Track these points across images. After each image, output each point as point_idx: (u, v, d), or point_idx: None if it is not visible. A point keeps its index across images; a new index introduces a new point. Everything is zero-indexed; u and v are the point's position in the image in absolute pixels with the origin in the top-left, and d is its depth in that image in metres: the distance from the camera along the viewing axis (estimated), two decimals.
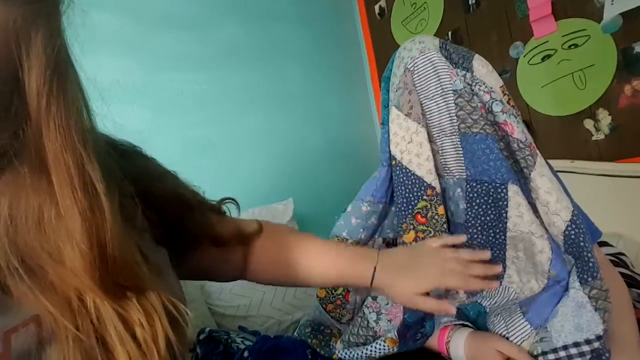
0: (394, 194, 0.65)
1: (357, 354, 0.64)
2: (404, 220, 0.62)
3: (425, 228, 0.60)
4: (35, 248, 0.29)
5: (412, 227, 0.60)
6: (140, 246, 0.36)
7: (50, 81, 0.29)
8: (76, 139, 0.30)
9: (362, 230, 0.67)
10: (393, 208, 0.68)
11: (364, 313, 0.66)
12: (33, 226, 0.29)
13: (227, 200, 0.64)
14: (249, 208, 1.48)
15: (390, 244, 0.71)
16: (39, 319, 0.30)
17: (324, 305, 0.71)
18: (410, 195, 0.60)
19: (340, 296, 0.70)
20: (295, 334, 0.80)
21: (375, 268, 0.58)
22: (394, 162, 0.62)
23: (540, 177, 0.56)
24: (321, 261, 0.60)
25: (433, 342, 0.65)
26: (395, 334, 0.60)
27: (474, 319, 0.68)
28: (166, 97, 1.48)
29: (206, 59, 1.59)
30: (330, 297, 0.70)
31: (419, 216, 0.60)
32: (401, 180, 0.61)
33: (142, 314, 0.32)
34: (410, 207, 0.60)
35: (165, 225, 0.47)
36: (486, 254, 0.58)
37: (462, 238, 0.59)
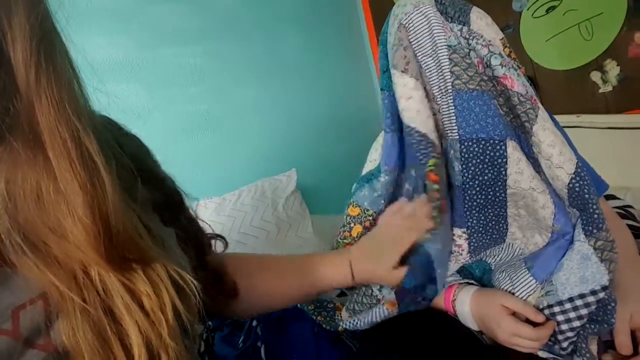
0: (406, 158, 0.64)
1: (361, 322, 0.64)
2: (419, 182, 0.60)
3: (438, 187, 0.58)
4: (36, 224, 0.29)
5: (425, 187, 0.59)
6: (141, 218, 0.36)
7: (37, 51, 0.28)
8: (70, 111, 0.29)
9: (383, 201, 0.66)
10: (403, 175, 0.67)
11: (371, 287, 0.66)
12: (32, 202, 0.29)
13: (217, 238, 0.62)
14: (253, 180, 1.48)
15: None
16: (47, 295, 0.30)
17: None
18: (419, 154, 0.58)
19: None
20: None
21: (350, 263, 0.60)
22: (403, 124, 0.60)
23: (543, 130, 0.54)
24: (287, 281, 0.61)
25: (439, 302, 0.65)
26: (395, 297, 0.61)
27: (479, 276, 0.68)
28: (164, 72, 1.46)
29: (202, 31, 1.55)
30: None
31: (432, 174, 0.58)
32: (409, 141, 0.59)
33: (148, 285, 0.33)
34: (421, 166, 0.59)
35: (167, 207, 0.46)
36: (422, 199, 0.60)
37: (404, 203, 0.62)
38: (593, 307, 0.54)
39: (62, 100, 0.29)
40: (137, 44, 1.40)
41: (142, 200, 0.41)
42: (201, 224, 0.56)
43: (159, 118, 1.42)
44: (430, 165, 0.58)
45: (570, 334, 0.57)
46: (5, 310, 0.28)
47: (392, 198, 0.67)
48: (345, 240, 0.69)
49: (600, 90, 1.29)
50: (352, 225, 0.68)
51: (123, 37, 1.38)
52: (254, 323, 0.77)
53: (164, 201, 0.45)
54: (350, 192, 0.72)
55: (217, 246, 0.63)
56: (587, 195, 0.53)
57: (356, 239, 0.68)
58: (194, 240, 0.52)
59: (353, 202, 0.69)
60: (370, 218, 0.67)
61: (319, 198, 1.68)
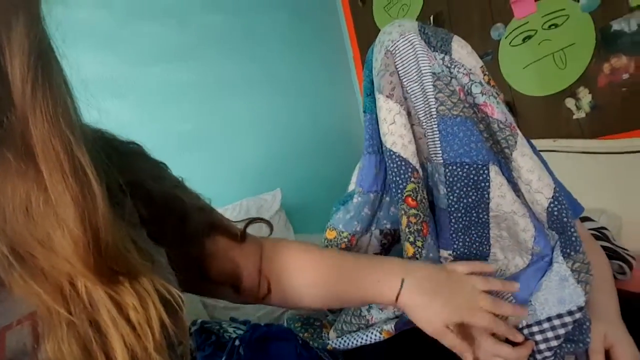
0: (387, 182, 0.65)
1: (352, 342, 0.64)
2: (397, 206, 0.62)
3: (416, 212, 0.59)
4: (24, 236, 0.29)
5: (403, 211, 0.60)
6: (129, 232, 0.36)
7: (35, 67, 0.29)
8: (63, 125, 0.30)
9: (356, 222, 0.66)
10: (387, 198, 0.68)
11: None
12: (21, 214, 0.29)
13: (256, 221, 0.62)
14: (238, 199, 1.48)
15: (389, 234, 0.70)
16: (35, 316, 0.30)
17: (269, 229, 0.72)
18: (398, 179, 0.60)
19: None
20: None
21: (402, 281, 0.54)
22: (384, 148, 0.62)
23: (522, 156, 0.57)
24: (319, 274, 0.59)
25: None
26: (393, 327, 0.61)
27: None
28: (149, 90, 1.47)
29: (187, 49, 1.57)
30: None
31: (409, 199, 0.60)
32: (389, 165, 0.61)
33: (135, 298, 0.32)
34: (399, 190, 0.60)
35: (155, 224, 0.46)
36: (515, 286, 0.56)
37: (490, 267, 0.58)
38: (570, 326, 0.56)
39: (56, 114, 0.29)
40: (124, 61, 1.41)
41: (130, 214, 0.41)
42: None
43: (145, 135, 1.40)
44: (407, 191, 0.60)
45: (548, 353, 0.58)
46: None
47: (369, 220, 0.68)
48: None
49: (575, 117, 1.35)
50: (330, 248, 0.68)
51: (110, 54, 1.38)
52: (237, 343, 0.76)
53: (154, 216, 0.45)
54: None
55: (264, 231, 0.63)
56: (565, 219, 0.56)
57: None
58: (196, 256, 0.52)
59: (330, 225, 0.69)
60: (346, 240, 0.67)
61: (303, 217, 1.68)
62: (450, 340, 0.52)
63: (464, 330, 0.54)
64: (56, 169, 0.29)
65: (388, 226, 0.70)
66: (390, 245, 0.73)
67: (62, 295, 0.30)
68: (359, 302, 0.62)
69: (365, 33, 2.04)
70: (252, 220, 0.62)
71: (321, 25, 2.06)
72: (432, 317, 0.52)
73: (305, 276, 0.59)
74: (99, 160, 0.35)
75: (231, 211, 1.42)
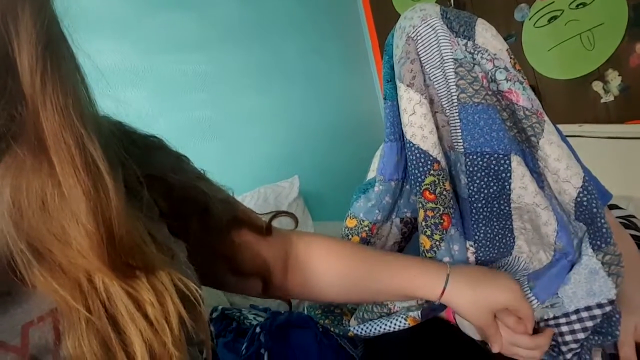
0: (408, 170, 0.64)
1: (375, 329, 0.64)
2: (415, 198, 0.61)
3: (434, 205, 0.58)
4: (40, 231, 0.29)
5: (420, 204, 0.59)
6: (147, 226, 0.36)
7: (43, 57, 0.28)
8: (74, 117, 0.29)
9: (377, 211, 0.66)
10: (408, 185, 0.67)
11: None
12: (37, 209, 0.29)
13: (282, 214, 0.61)
14: (255, 187, 1.49)
15: (409, 223, 0.70)
16: (56, 313, 0.30)
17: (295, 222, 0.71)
18: (417, 172, 0.59)
19: None
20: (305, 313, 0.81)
21: (448, 275, 0.54)
22: (405, 139, 0.61)
23: (549, 144, 0.55)
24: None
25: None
26: (419, 314, 0.60)
27: None
28: (166, 79, 1.47)
29: (205, 39, 1.57)
30: None
31: (427, 193, 0.59)
32: (409, 156, 0.60)
33: (152, 293, 0.32)
34: (417, 183, 0.59)
35: (176, 218, 0.45)
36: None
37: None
38: (598, 319, 0.55)
39: (67, 106, 0.29)
40: (141, 51, 1.42)
41: (148, 208, 0.41)
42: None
43: (163, 124, 1.43)
44: (425, 184, 0.59)
45: (574, 345, 0.57)
46: (16, 326, 0.28)
47: (390, 209, 0.67)
48: None
49: (602, 100, 1.30)
50: (350, 237, 0.68)
51: (127, 44, 1.39)
52: (257, 330, 0.77)
53: (175, 209, 0.45)
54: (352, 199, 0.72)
55: (287, 224, 0.62)
56: (594, 210, 0.54)
57: None
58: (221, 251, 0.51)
59: (350, 213, 0.69)
60: (367, 229, 0.67)
61: (321, 205, 1.68)
62: (494, 331, 0.53)
63: None
64: (67, 162, 0.29)
65: (408, 214, 0.69)
66: (411, 233, 0.72)
67: (81, 291, 0.30)
68: (390, 297, 0.62)
69: (384, 18, 2.00)
70: (277, 214, 0.60)
71: (339, 11, 2.03)
72: (481, 309, 0.52)
73: (332, 269, 0.59)
74: (116, 152, 0.35)
75: (249, 199, 1.43)
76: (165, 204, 0.43)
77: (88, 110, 0.32)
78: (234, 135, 1.60)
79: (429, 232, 0.59)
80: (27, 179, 0.29)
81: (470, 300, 0.53)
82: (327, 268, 0.59)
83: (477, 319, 0.53)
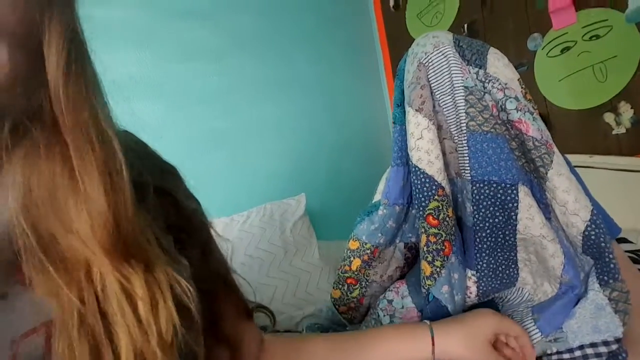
0: (412, 196, 0.64)
1: None
2: (419, 223, 0.60)
3: (436, 231, 0.58)
4: (47, 216, 0.30)
5: (423, 229, 0.59)
6: (155, 230, 0.36)
7: (69, 50, 0.30)
8: (98, 107, 0.31)
9: (380, 234, 0.65)
10: (413, 211, 0.67)
11: (378, 315, 0.65)
12: (46, 192, 0.30)
13: (261, 310, 0.59)
14: (261, 203, 1.49)
15: (413, 248, 0.69)
16: (50, 325, 0.30)
17: (337, 306, 0.71)
18: (421, 196, 0.59)
19: (355, 299, 0.69)
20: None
21: (432, 336, 0.53)
22: (410, 163, 0.61)
23: (558, 176, 0.54)
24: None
25: None
26: None
27: None
28: (178, 89, 1.49)
29: (217, 49, 1.59)
30: (344, 299, 0.69)
31: (430, 218, 0.58)
32: (413, 180, 0.60)
33: (145, 290, 0.32)
34: (421, 208, 0.59)
35: (182, 237, 0.45)
36: None
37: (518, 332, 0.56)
38: (604, 357, 0.53)
39: (90, 98, 0.31)
40: (153, 61, 1.45)
41: (156, 214, 0.41)
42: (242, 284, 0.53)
43: (173, 135, 1.45)
44: (429, 209, 0.58)
45: None
46: (7, 338, 0.29)
47: (393, 233, 0.67)
48: (345, 275, 0.68)
49: (614, 132, 1.29)
50: (351, 259, 0.68)
51: (140, 54, 1.42)
52: None
53: (182, 228, 0.44)
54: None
55: (262, 319, 0.58)
56: (602, 244, 0.53)
57: (356, 273, 0.67)
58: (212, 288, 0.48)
59: (353, 235, 0.68)
60: (368, 252, 0.66)
61: (327, 223, 1.68)
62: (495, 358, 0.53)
63: None
64: (87, 151, 0.30)
65: (413, 239, 0.69)
66: (414, 258, 0.71)
67: (78, 283, 0.30)
68: None
69: (397, 40, 2.02)
70: (259, 307, 0.59)
71: (352, 29, 2.06)
72: (477, 343, 0.52)
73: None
74: (129, 155, 0.35)
75: (255, 214, 1.43)
76: (174, 218, 0.44)
77: (108, 110, 0.34)
78: (243, 147, 1.61)
79: (430, 258, 0.59)
80: (40, 165, 0.30)
81: (462, 337, 0.52)
82: None
83: (478, 355, 0.52)
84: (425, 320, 0.57)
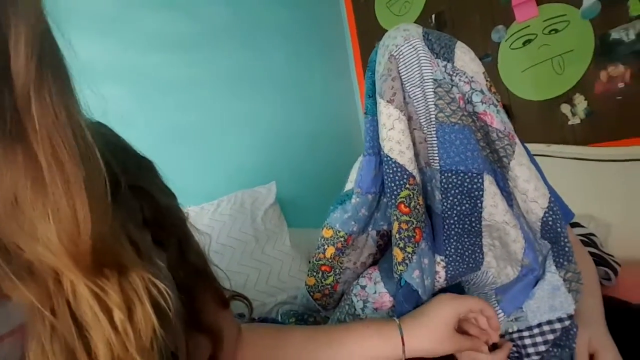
0: (384, 185, 0.65)
1: None
2: (390, 211, 0.63)
3: (408, 219, 0.60)
4: (10, 225, 0.28)
5: (395, 217, 0.61)
6: (127, 228, 0.35)
7: (40, 46, 0.27)
8: (71, 108, 0.29)
9: (353, 222, 0.67)
10: (385, 199, 0.69)
11: (352, 300, 0.67)
12: (8, 202, 0.27)
13: (238, 298, 0.58)
14: (232, 191, 1.48)
15: (385, 235, 0.71)
16: (24, 327, 0.29)
17: (311, 293, 0.72)
18: (393, 185, 0.61)
19: (329, 286, 0.71)
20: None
21: (401, 333, 0.54)
22: (382, 153, 0.62)
23: (519, 166, 0.58)
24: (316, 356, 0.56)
25: None
26: None
27: None
28: (148, 79, 1.45)
29: (189, 40, 1.56)
30: (319, 286, 0.71)
31: (402, 206, 0.60)
32: (385, 170, 0.62)
33: (120, 296, 0.31)
34: (393, 196, 0.61)
35: (158, 233, 0.44)
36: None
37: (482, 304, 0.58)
38: (558, 332, 0.58)
39: (63, 97, 0.28)
40: (126, 49, 1.40)
41: (132, 210, 0.40)
42: (219, 274, 0.53)
43: (142, 124, 1.41)
44: (401, 197, 0.61)
45: (535, 357, 0.60)
46: None
47: (366, 221, 0.69)
48: (320, 262, 0.70)
49: (569, 122, 1.37)
50: (325, 247, 0.69)
51: (113, 41, 1.37)
52: None
53: (159, 224, 0.44)
54: (328, 207, 0.73)
55: (239, 306, 0.59)
56: (559, 229, 0.57)
57: (330, 260, 0.69)
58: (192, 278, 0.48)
59: (327, 224, 0.69)
60: (342, 239, 0.68)
61: (297, 211, 1.69)
62: (467, 343, 0.54)
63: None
64: (64, 151, 0.28)
65: (385, 227, 0.71)
66: (386, 245, 0.74)
67: (47, 293, 0.29)
68: None
69: (366, 29, 2.03)
70: (236, 295, 0.58)
71: (322, 19, 2.05)
72: (442, 328, 0.53)
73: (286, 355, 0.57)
74: (102, 153, 0.33)
75: (226, 203, 1.43)
76: (150, 214, 0.43)
77: (78, 105, 0.31)
78: (213, 138, 1.59)
79: (402, 245, 0.61)
80: (1, 170, 0.27)
81: (426, 331, 0.54)
82: (278, 354, 0.57)
83: (443, 345, 0.54)
84: (394, 318, 0.58)
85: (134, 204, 0.41)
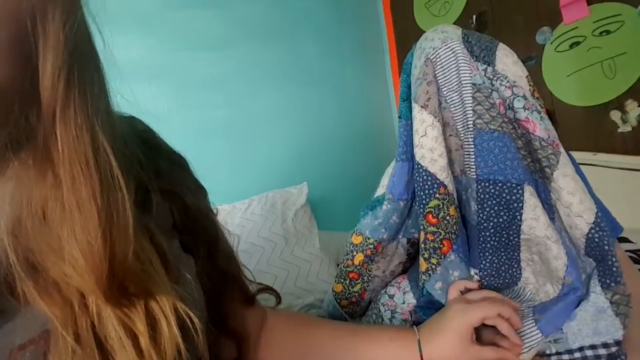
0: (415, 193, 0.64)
1: None
2: (418, 220, 0.60)
3: (435, 230, 0.58)
4: (38, 244, 0.27)
5: (422, 227, 0.59)
6: (157, 239, 0.34)
7: (69, 64, 0.26)
8: (95, 129, 0.28)
9: (384, 230, 0.65)
10: (416, 206, 0.67)
11: (379, 310, 0.66)
12: (36, 221, 0.27)
13: (266, 291, 0.58)
14: (264, 191, 1.49)
15: (416, 244, 0.69)
16: (48, 334, 0.28)
17: (338, 300, 0.71)
18: (422, 194, 0.58)
19: (357, 294, 0.69)
20: None
21: (419, 342, 0.52)
22: (414, 159, 0.61)
23: (564, 177, 0.54)
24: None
25: None
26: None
27: None
28: (184, 76, 1.49)
29: (224, 37, 1.58)
30: (346, 293, 0.70)
31: (430, 216, 0.58)
32: (416, 177, 0.59)
33: (146, 322, 0.30)
34: (422, 206, 0.59)
35: (188, 236, 0.44)
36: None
37: (474, 284, 0.58)
38: (603, 359, 0.53)
39: (88, 116, 0.27)
40: (162, 47, 1.44)
41: (163, 218, 0.39)
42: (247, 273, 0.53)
43: (178, 121, 1.44)
44: (429, 207, 0.58)
45: None
46: (4, 349, 0.27)
47: (396, 228, 0.67)
48: (348, 269, 0.68)
49: (619, 130, 1.28)
50: (354, 253, 0.68)
51: (149, 39, 1.41)
52: None
53: (188, 227, 0.43)
54: (359, 210, 0.72)
55: (269, 300, 0.59)
56: (606, 247, 0.53)
57: (358, 268, 0.67)
58: (222, 284, 0.48)
59: (356, 230, 0.68)
60: (371, 247, 0.66)
61: (328, 213, 1.68)
62: (488, 354, 0.52)
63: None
64: (80, 176, 0.27)
65: (416, 235, 0.69)
66: (417, 254, 0.72)
67: (72, 312, 0.28)
68: None
69: (404, 29, 1.99)
70: (263, 289, 0.58)
71: (359, 18, 2.03)
72: (460, 338, 0.51)
73: (305, 346, 0.56)
74: (131, 162, 0.33)
75: (257, 203, 1.43)
76: (180, 218, 0.42)
77: (108, 116, 0.31)
78: (247, 136, 1.61)
79: (426, 255, 0.59)
80: (29, 189, 0.27)
81: (443, 348, 0.51)
82: (301, 345, 0.56)
83: (462, 351, 0.51)
84: (416, 331, 0.55)
85: (164, 209, 0.41)
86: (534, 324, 0.55)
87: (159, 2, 1.44)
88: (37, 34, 0.25)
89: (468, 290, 0.58)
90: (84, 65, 0.28)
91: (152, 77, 1.41)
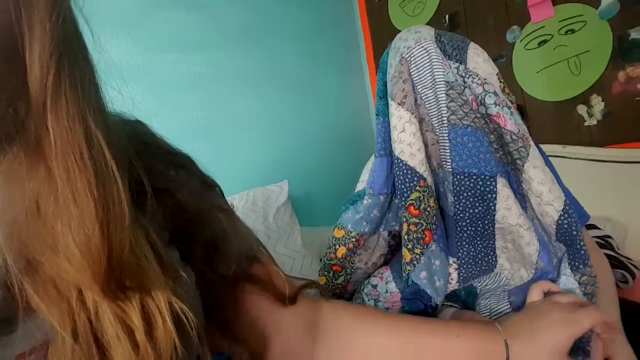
0: (395, 187, 0.66)
1: None
2: (400, 213, 0.63)
3: (417, 221, 0.60)
4: (32, 240, 0.27)
5: (405, 219, 0.61)
6: (153, 240, 0.33)
7: (58, 54, 0.25)
8: (89, 121, 0.27)
9: (365, 223, 0.67)
10: (397, 200, 0.69)
11: (363, 300, 0.68)
12: (30, 215, 0.27)
13: (312, 286, 0.54)
14: (245, 189, 1.49)
15: (397, 236, 0.71)
16: (49, 343, 0.28)
17: (322, 293, 0.73)
18: (403, 187, 0.61)
19: (340, 286, 0.71)
20: None
21: (505, 342, 0.47)
22: (393, 155, 0.63)
23: (534, 168, 0.57)
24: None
25: None
26: None
27: (465, 299, 0.70)
28: (163, 78, 1.48)
29: (204, 40, 1.58)
30: (330, 286, 0.71)
31: (411, 208, 0.61)
32: (396, 172, 0.62)
33: (142, 316, 0.30)
34: (403, 198, 0.61)
35: (184, 243, 0.42)
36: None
37: (556, 286, 0.57)
38: None
39: (80, 108, 0.27)
40: (140, 48, 1.42)
41: (161, 224, 0.38)
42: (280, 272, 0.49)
43: (155, 122, 1.42)
44: (411, 199, 0.61)
45: None
46: (12, 356, 0.26)
47: (377, 222, 0.69)
48: (331, 262, 0.70)
49: (586, 124, 1.35)
50: (337, 246, 0.69)
51: (127, 40, 1.39)
52: None
53: (180, 231, 0.41)
54: (340, 206, 0.73)
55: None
56: (574, 232, 0.57)
57: (341, 260, 0.69)
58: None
59: (338, 224, 0.69)
60: (354, 240, 0.68)
61: (309, 210, 1.70)
62: None
63: None
64: (75, 167, 0.26)
65: (397, 228, 0.71)
66: (398, 246, 0.74)
67: (69, 309, 0.28)
68: None
69: (380, 29, 2.03)
70: (308, 284, 0.53)
71: (336, 20, 2.06)
72: (546, 346, 0.46)
73: (380, 343, 0.50)
74: (125, 157, 0.32)
75: (238, 201, 1.44)
76: (172, 219, 0.40)
77: (101, 111, 0.30)
78: (226, 137, 1.61)
79: (410, 246, 0.61)
80: (22, 183, 0.26)
81: (541, 344, 0.46)
82: (375, 343, 0.50)
83: None
84: (498, 326, 0.51)
85: (162, 214, 0.40)
86: (509, 306, 0.58)
87: (139, 3, 1.42)
88: (22, 25, 0.25)
89: (551, 292, 0.56)
90: (73, 57, 0.27)
91: (128, 77, 1.39)
